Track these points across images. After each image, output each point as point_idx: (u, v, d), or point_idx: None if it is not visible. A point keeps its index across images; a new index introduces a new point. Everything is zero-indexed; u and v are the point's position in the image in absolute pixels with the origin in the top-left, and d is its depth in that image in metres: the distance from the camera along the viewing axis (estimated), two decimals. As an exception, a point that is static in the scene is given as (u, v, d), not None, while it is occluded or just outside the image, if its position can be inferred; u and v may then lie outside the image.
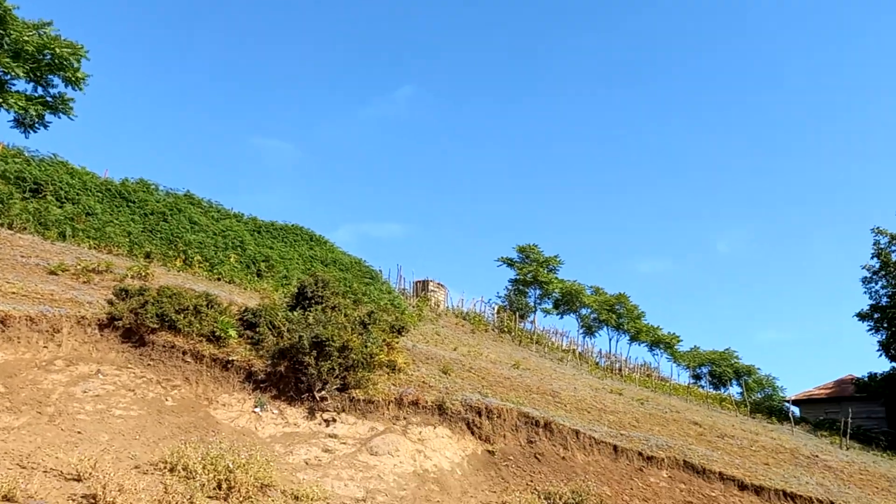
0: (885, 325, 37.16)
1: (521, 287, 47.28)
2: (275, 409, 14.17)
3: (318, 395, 14.54)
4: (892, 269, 37.53)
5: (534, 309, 47.28)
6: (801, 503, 15.59)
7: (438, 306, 39.05)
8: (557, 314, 48.99)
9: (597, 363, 42.33)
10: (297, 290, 18.31)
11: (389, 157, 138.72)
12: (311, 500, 10.99)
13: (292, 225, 29.87)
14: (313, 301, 17.30)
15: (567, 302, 47.68)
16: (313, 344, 14.58)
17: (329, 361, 14.49)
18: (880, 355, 38.56)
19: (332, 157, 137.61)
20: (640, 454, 16.12)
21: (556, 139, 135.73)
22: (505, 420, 15.90)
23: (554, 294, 47.78)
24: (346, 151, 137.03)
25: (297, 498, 10.91)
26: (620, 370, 42.45)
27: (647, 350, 52.91)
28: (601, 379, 32.09)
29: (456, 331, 33.61)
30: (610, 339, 51.39)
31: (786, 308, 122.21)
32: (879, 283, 39.36)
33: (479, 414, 15.72)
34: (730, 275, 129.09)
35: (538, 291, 47.61)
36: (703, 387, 49.52)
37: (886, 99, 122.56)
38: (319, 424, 14.18)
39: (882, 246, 39.34)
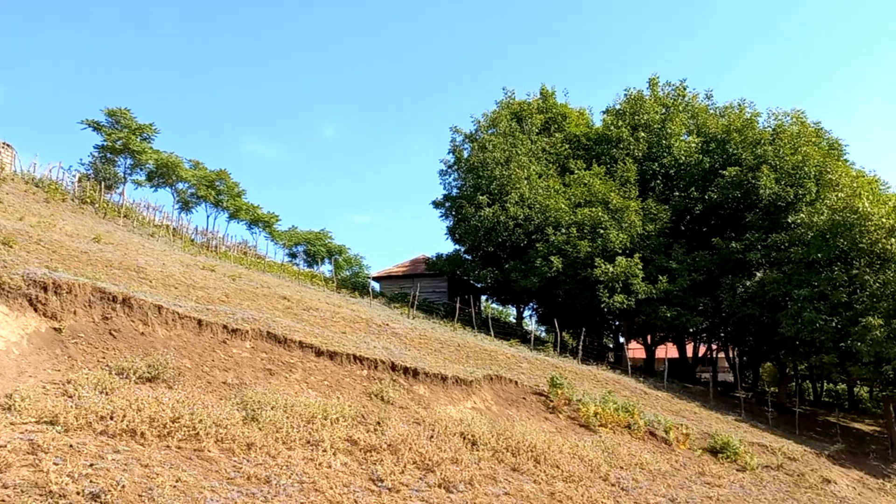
0: (454, 213, 42.83)
1: (109, 155, 42.79)
2: None
3: None
4: (463, 165, 43.04)
5: (124, 180, 43.51)
6: (367, 364, 17.43)
7: (3, 170, 33.55)
8: (151, 187, 45.98)
9: (192, 240, 41.14)
10: None
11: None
12: None
13: None
14: None
15: (162, 175, 44.85)
16: None
17: None
18: (447, 238, 44.78)
19: None
20: (225, 327, 16.19)
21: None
22: (77, 296, 14.46)
23: (148, 165, 44.42)
24: None
25: None
26: (216, 247, 41.94)
27: (245, 228, 53.24)
28: (195, 256, 31.30)
29: (25, 199, 29.34)
30: (208, 216, 50.41)
31: (378, 194, 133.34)
32: (452, 177, 45.03)
33: (45, 290, 14.01)
34: (332, 159, 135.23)
35: (130, 161, 43.71)
36: (297, 265, 51.93)
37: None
38: None
39: (457, 143, 44.81)
